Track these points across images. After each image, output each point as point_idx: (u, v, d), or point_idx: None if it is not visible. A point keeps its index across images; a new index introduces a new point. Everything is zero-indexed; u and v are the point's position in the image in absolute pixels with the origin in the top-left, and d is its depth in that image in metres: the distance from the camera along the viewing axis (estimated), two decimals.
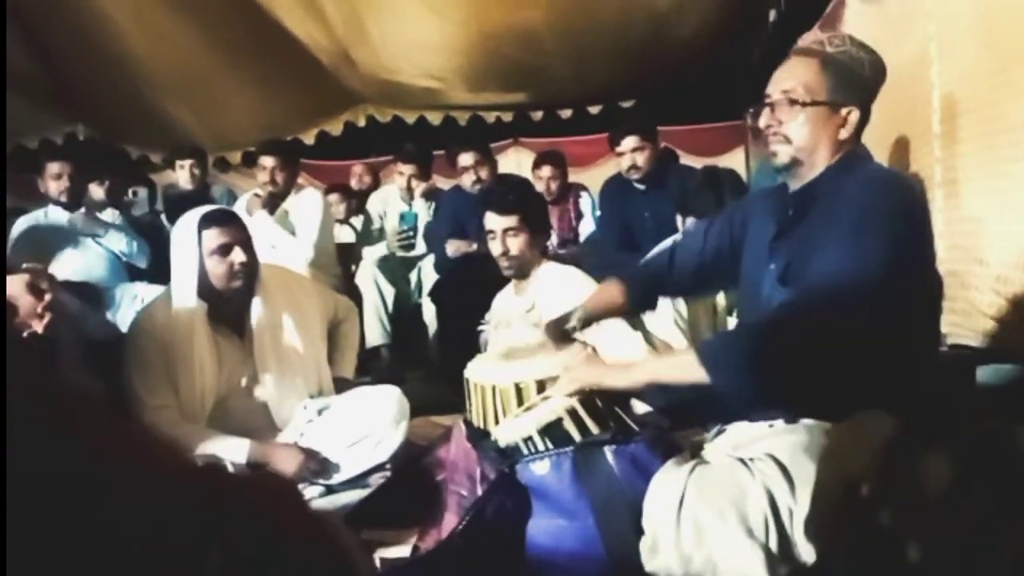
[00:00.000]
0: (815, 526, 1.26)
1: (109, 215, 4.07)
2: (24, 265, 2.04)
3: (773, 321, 1.46)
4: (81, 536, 0.45)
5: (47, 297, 1.93)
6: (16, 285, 1.90)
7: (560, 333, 1.89)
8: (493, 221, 2.58)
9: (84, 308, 2.72)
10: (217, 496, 0.55)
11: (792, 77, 1.57)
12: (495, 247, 2.59)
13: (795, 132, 1.56)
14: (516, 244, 2.56)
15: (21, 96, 4.87)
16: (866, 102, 1.59)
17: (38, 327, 1.88)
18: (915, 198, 1.53)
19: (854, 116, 1.56)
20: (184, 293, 2.31)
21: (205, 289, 2.31)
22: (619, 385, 1.57)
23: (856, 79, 1.56)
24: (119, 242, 3.84)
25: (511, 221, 2.55)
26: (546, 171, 4.34)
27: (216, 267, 2.30)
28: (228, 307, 2.38)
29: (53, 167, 3.77)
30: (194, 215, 2.34)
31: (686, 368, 1.46)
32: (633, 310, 2.02)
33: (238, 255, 2.30)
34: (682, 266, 1.89)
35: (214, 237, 2.29)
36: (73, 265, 3.64)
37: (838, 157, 1.56)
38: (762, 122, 1.61)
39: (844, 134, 1.56)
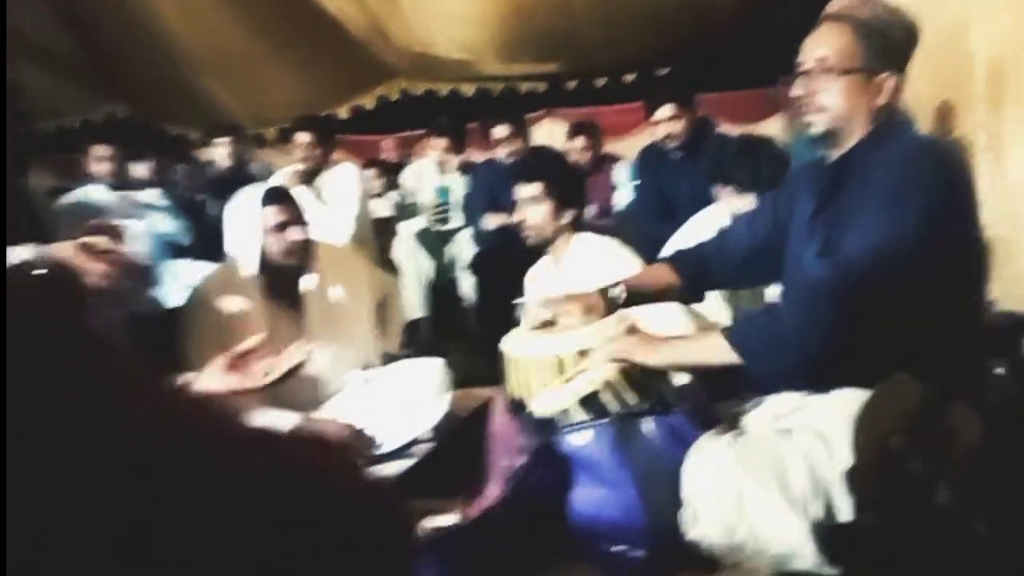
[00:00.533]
0: (852, 485, 1.27)
1: (152, 194, 4.14)
2: (91, 222, 2.03)
3: (808, 301, 1.43)
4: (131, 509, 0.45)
5: (115, 250, 1.92)
6: (66, 250, 1.88)
7: (605, 303, 1.83)
8: (517, 190, 2.60)
9: (128, 284, 2.77)
10: (269, 457, 0.57)
11: (825, 44, 1.53)
12: (516, 216, 2.60)
13: (830, 101, 1.52)
14: (536, 213, 2.55)
15: (61, 77, 4.95)
16: (901, 67, 1.54)
17: (103, 282, 1.86)
18: (953, 166, 1.49)
19: (890, 82, 1.52)
20: (245, 266, 2.36)
21: (263, 263, 2.36)
22: (648, 362, 1.55)
23: (890, 44, 1.52)
24: (162, 224, 3.91)
25: (532, 190, 2.55)
26: (579, 142, 4.28)
27: (274, 243, 2.34)
28: (284, 282, 2.42)
29: (97, 150, 3.84)
30: (255, 191, 2.39)
31: (716, 352, 1.46)
32: (684, 297, 1.98)
33: (295, 233, 2.35)
34: (732, 251, 1.84)
35: (274, 214, 2.34)
36: None
37: (875, 126, 1.53)
38: (796, 91, 1.57)
39: (880, 101, 1.52)
